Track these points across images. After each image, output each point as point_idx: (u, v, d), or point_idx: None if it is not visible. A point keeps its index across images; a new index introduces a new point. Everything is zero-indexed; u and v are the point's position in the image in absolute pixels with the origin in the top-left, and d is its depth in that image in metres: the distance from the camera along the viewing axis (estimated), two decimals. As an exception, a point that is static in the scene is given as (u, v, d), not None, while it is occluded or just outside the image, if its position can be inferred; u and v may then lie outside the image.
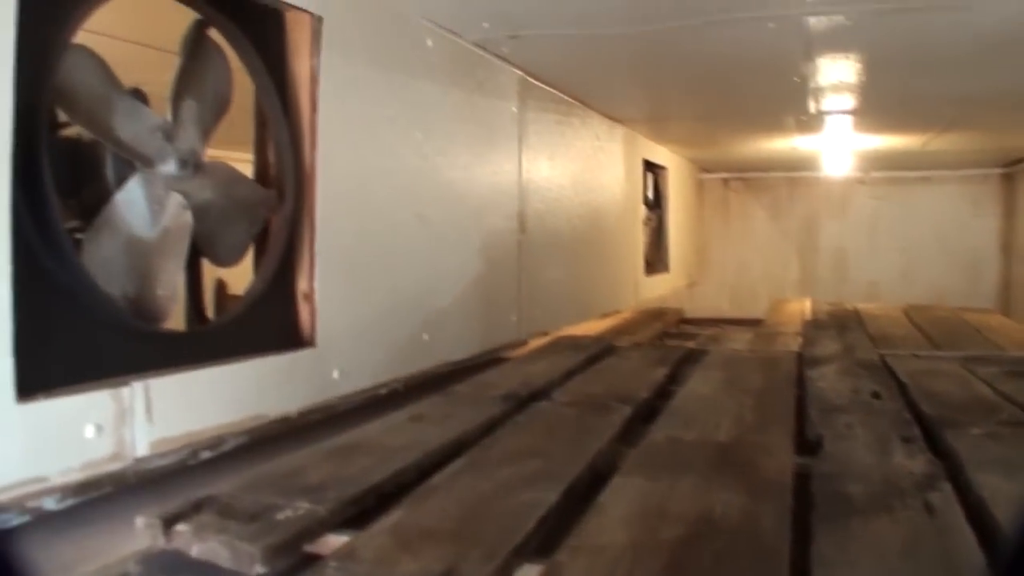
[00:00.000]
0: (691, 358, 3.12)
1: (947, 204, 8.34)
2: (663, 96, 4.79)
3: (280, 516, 1.40)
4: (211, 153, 2.09)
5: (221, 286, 2.57)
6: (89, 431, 1.62)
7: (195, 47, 2.07)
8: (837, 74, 3.78)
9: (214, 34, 2.11)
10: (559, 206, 4.14)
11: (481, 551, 1.24)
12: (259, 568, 1.27)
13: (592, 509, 1.43)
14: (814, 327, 4.52)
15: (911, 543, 1.30)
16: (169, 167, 1.92)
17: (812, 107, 4.60)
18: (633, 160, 5.68)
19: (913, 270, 8.37)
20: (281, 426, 2.12)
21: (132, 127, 1.86)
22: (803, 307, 5.68)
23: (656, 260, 6.60)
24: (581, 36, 3.13)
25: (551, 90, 4.04)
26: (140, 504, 1.45)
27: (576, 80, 4.04)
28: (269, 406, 2.06)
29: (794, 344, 3.88)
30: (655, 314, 5.84)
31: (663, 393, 2.50)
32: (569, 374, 2.70)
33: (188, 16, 2.06)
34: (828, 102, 4.48)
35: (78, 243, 1.77)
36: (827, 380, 2.67)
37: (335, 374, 2.30)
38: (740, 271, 8.94)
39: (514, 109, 3.58)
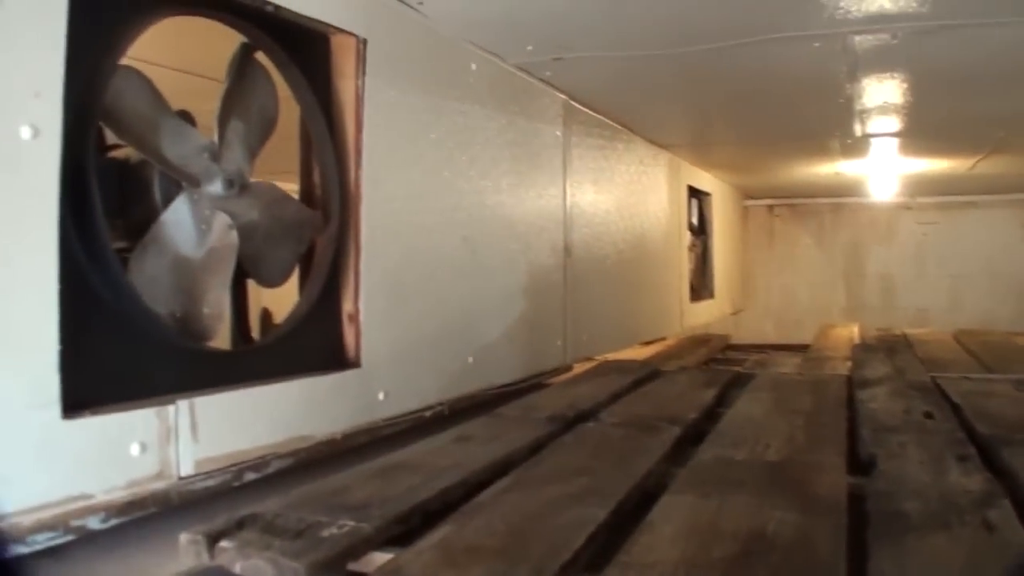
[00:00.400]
0: (739, 381, 3.07)
1: (996, 229, 8.20)
2: (707, 119, 4.77)
3: (325, 533, 1.38)
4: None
5: (267, 315, 2.57)
6: (134, 449, 1.62)
7: (242, 69, 2.08)
8: (883, 95, 3.74)
9: (260, 57, 2.13)
10: (604, 231, 4.13)
11: (529, 567, 1.21)
12: (304, 585, 1.26)
13: (642, 526, 1.40)
14: (863, 350, 4.45)
15: (971, 559, 1.26)
16: (215, 187, 1.93)
17: (857, 129, 4.55)
18: (677, 186, 5.65)
19: (962, 296, 8.24)
20: (326, 448, 2.11)
21: (179, 147, 1.87)
22: (851, 332, 5.60)
23: (701, 286, 6.55)
24: (625, 58, 3.12)
25: (594, 114, 4.03)
26: (184, 525, 1.44)
27: (619, 103, 4.03)
28: (314, 427, 2.05)
29: (843, 368, 3.83)
30: (701, 340, 5.79)
31: (711, 415, 2.47)
32: (616, 396, 2.66)
33: (232, 42, 2.08)
34: (874, 124, 4.42)
35: (125, 262, 1.78)
36: (878, 401, 2.61)
37: (380, 395, 2.29)
38: (785, 298, 8.85)
39: (558, 133, 3.57)
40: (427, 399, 2.51)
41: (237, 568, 1.33)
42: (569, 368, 3.61)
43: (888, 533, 1.38)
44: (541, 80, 3.38)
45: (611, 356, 4.04)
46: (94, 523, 1.58)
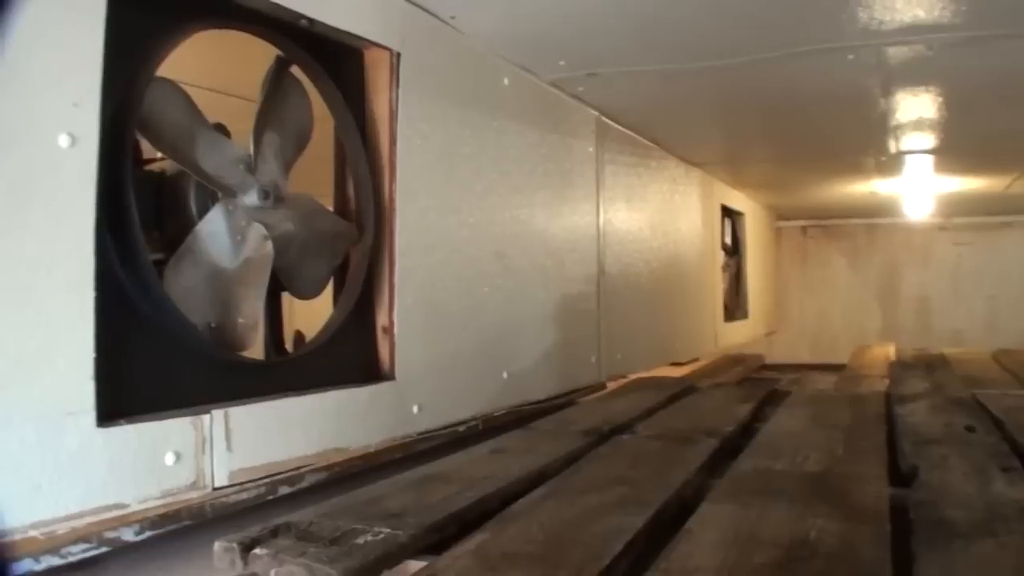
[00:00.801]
0: (775, 397, 3.04)
1: (1033, 250, 8.11)
2: (740, 136, 4.74)
3: (360, 540, 1.37)
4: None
5: (299, 337, 2.57)
6: (169, 458, 1.62)
7: (276, 83, 2.09)
8: (917, 110, 3.70)
9: (295, 70, 2.14)
10: (637, 249, 4.11)
11: (567, 573, 1.19)
12: (339, 592, 1.24)
13: (681, 534, 1.38)
14: (901, 367, 4.40)
15: (1020, 565, 1.23)
16: (251, 198, 1.93)
17: (892, 146, 4.51)
18: (710, 205, 5.62)
19: (999, 318, 8.11)
20: (360, 463, 2.10)
21: (215, 158, 1.88)
22: (887, 352, 5.53)
23: (735, 307, 6.51)
24: (658, 72, 3.11)
25: (627, 131, 4.02)
26: (217, 538, 1.43)
27: (652, 120, 4.01)
28: (349, 439, 2.05)
29: (880, 386, 3.77)
30: (735, 359, 5.75)
31: (748, 429, 2.44)
32: (651, 411, 2.64)
33: (261, 61, 2.10)
34: (908, 141, 4.38)
35: (161, 274, 1.79)
36: (918, 416, 2.57)
37: (415, 409, 2.28)
38: (819, 320, 8.77)
39: (591, 149, 3.56)
40: (461, 413, 2.50)
41: (272, 575, 1.32)
42: (603, 386, 3.58)
43: (934, 540, 1.35)
44: (573, 96, 3.37)
45: (645, 374, 4.01)
46: (128, 535, 1.58)
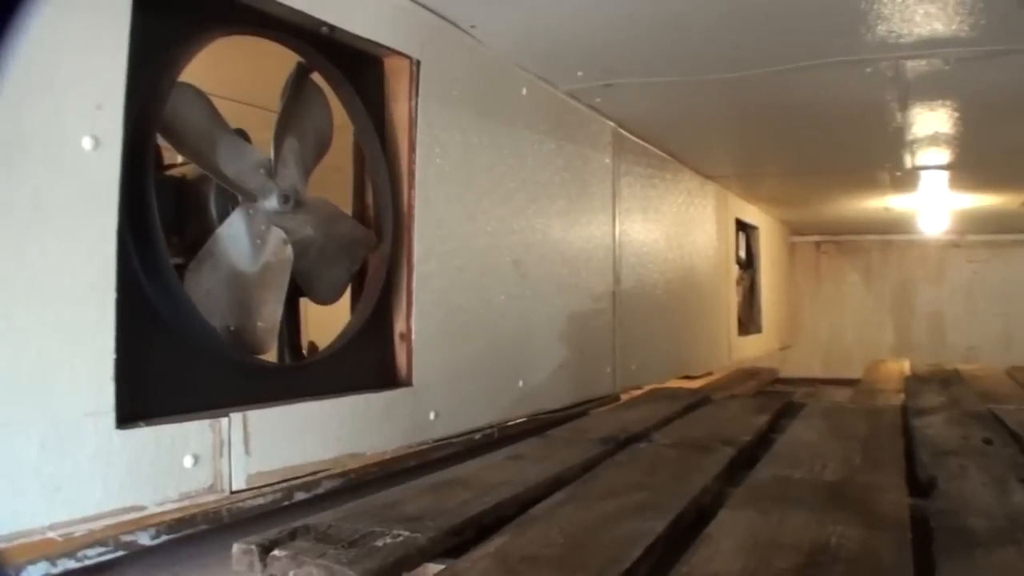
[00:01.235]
0: (791, 409, 3.03)
1: (1048, 267, 8.08)
2: (755, 149, 4.73)
3: (379, 543, 1.36)
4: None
5: (313, 348, 2.58)
6: (187, 461, 1.62)
7: (297, 89, 2.10)
8: (934, 124, 3.69)
9: (316, 77, 2.15)
10: (652, 261, 4.11)
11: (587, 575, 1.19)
12: (357, 593, 1.24)
13: (700, 539, 1.38)
14: (916, 381, 4.38)
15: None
16: (271, 202, 1.94)
17: (908, 161, 4.50)
18: (725, 218, 5.62)
19: (1013, 335, 8.06)
20: (375, 470, 2.10)
21: (236, 163, 1.89)
22: (901, 367, 5.51)
23: (749, 320, 6.49)
24: (674, 83, 3.11)
25: (643, 143, 4.02)
26: (232, 543, 1.42)
27: (668, 132, 4.01)
28: (366, 444, 2.05)
29: (895, 400, 3.75)
30: (749, 373, 5.72)
31: (764, 439, 2.43)
32: (667, 420, 2.63)
33: (282, 71, 2.11)
34: (924, 156, 4.37)
35: (181, 278, 1.79)
36: (935, 428, 2.56)
37: (431, 415, 2.28)
38: (833, 335, 8.74)
39: (607, 161, 3.56)
40: (478, 421, 2.50)
41: (290, 577, 1.31)
42: (617, 397, 3.58)
43: (955, 548, 1.34)
44: (590, 107, 3.37)
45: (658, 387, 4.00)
46: (144, 539, 1.58)
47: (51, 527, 1.42)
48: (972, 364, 6.12)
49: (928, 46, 2.66)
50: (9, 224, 1.36)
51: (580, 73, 3.00)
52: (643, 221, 3.99)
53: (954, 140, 3.98)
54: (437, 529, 1.42)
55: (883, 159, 4.58)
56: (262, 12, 1.90)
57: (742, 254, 6.35)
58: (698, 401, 3.11)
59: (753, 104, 3.48)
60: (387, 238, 2.22)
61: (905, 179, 5.04)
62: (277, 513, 1.78)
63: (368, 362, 2.19)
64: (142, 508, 1.55)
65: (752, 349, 6.40)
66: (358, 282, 2.26)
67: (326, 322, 2.38)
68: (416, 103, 2.28)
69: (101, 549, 1.52)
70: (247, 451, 1.73)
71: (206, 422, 1.66)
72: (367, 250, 2.21)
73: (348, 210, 2.28)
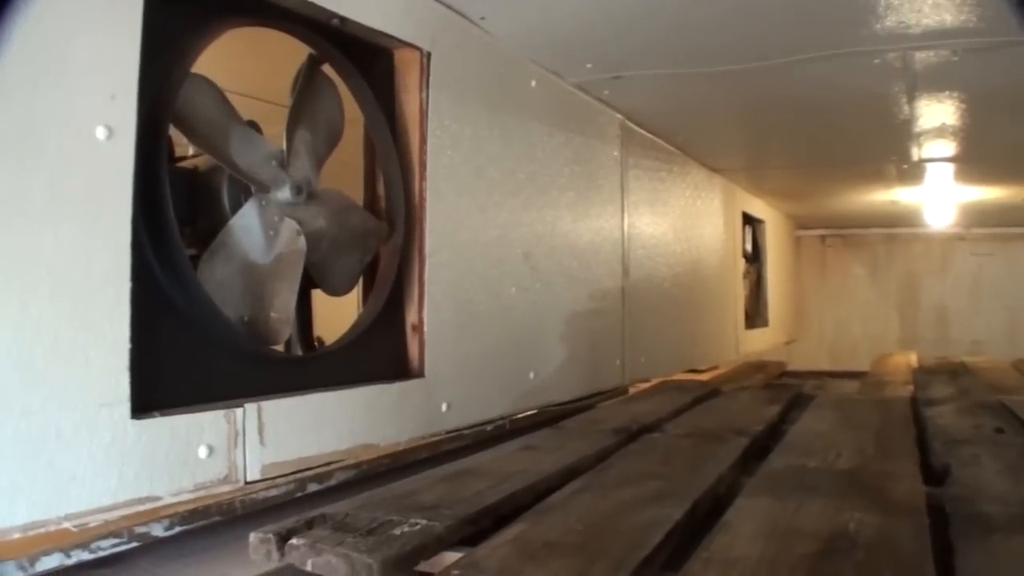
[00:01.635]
0: (800, 400, 3.03)
1: (1052, 261, 8.06)
2: (763, 142, 4.73)
3: (397, 531, 1.36)
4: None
5: (320, 344, 2.59)
6: (202, 451, 1.62)
7: (309, 81, 2.10)
8: (941, 116, 3.68)
9: (327, 68, 2.15)
10: (660, 254, 4.11)
11: (609, 562, 1.19)
12: (376, 581, 1.23)
13: (719, 526, 1.38)
14: (924, 373, 4.37)
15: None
16: (284, 193, 1.94)
17: (914, 153, 4.48)
18: (732, 211, 5.61)
19: (1018, 329, 8.04)
20: (387, 461, 2.10)
21: (248, 154, 1.88)
22: (908, 360, 5.50)
23: (755, 314, 6.49)
24: (682, 75, 3.10)
25: (651, 136, 4.02)
26: (246, 534, 1.42)
27: (675, 125, 4.01)
28: (379, 435, 2.05)
29: (904, 392, 3.74)
30: (757, 366, 5.71)
31: (776, 430, 2.43)
32: (678, 411, 2.64)
33: (290, 65, 2.11)
34: (930, 148, 4.35)
35: (194, 267, 1.79)
36: (946, 418, 2.56)
37: (443, 407, 2.28)
38: (839, 329, 8.73)
39: (616, 153, 3.56)
40: (489, 413, 2.50)
41: (308, 565, 1.31)
42: (625, 390, 3.58)
43: (972, 533, 1.35)
44: (599, 99, 3.37)
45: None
46: (158, 530, 1.58)
47: (66, 517, 1.41)
48: (978, 357, 6.12)
49: (937, 37, 2.65)
50: (24, 213, 1.36)
51: (589, 65, 2.99)
52: (651, 214, 3.98)
53: (961, 132, 3.97)
54: (454, 518, 1.42)
55: (890, 151, 4.57)
56: (273, 3, 1.90)
57: (748, 248, 6.34)
58: (708, 393, 3.11)
59: (761, 96, 3.47)
60: (399, 229, 2.22)
61: (911, 172, 5.03)
62: (289, 505, 1.78)
63: (380, 353, 2.19)
64: (157, 499, 1.55)
65: (759, 343, 6.40)
66: (369, 274, 2.25)
67: (330, 317, 2.37)
68: (427, 95, 2.28)
69: (115, 540, 1.52)
70: (262, 441, 1.73)
71: (221, 412, 1.66)
72: (379, 241, 2.20)
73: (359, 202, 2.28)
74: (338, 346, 2.11)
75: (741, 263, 5.99)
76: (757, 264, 6.60)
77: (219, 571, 1.62)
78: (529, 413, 2.73)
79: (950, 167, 4.94)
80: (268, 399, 1.76)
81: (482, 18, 2.49)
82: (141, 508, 1.53)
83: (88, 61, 1.45)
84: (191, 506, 1.64)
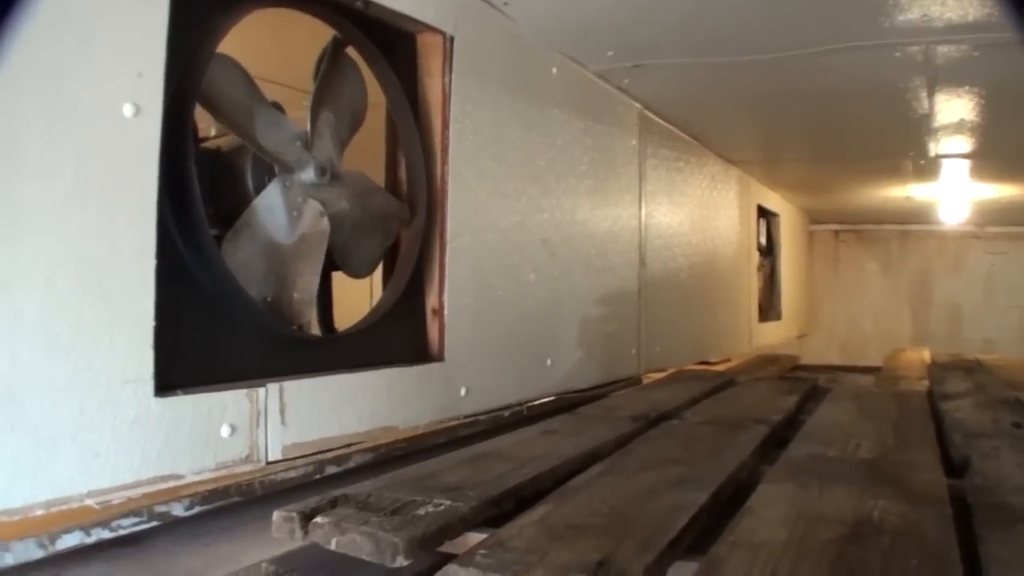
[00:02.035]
0: (817, 392, 3.03)
1: (1068, 260, 8.03)
2: (780, 133, 4.71)
3: (421, 511, 1.36)
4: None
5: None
6: (224, 431, 1.62)
7: (333, 63, 2.10)
8: (960, 111, 3.66)
9: (350, 51, 2.15)
10: (677, 244, 4.10)
11: (635, 543, 1.18)
12: (402, 560, 1.23)
13: (743, 511, 1.37)
14: (939, 369, 4.36)
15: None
16: (308, 174, 1.94)
17: (931, 149, 4.46)
18: (747, 204, 5.60)
19: (1030, 328, 8.05)
20: (404, 445, 2.10)
21: (273, 135, 1.88)
22: (922, 356, 5.48)
23: (769, 307, 6.48)
24: (702, 65, 3.09)
25: (669, 126, 4.01)
26: (265, 515, 1.42)
27: (693, 115, 3.99)
28: (399, 418, 2.05)
29: (919, 386, 3.73)
30: (770, 359, 5.70)
31: (794, 420, 2.43)
32: (695, 400, 2.64)
33: (311, 50, 2.11)
34: (947, 144, 4.34)
35: (218, 247, 1.79)
36: (964, 412, 2.55)
37: (462, 391, 2.28)
38: (850, 324, 8.71)
39: (634, 143, 3.55)
40: (507, 398, 2.50)
41: (333, 544, 1.30)
42: (640, 379, 3.57)
43: (996, 522, 1.35)
44: (619, 88, 3.36)
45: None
46: (178, 510, 1.59)
47: (89, 494, 1.42)
48: (991, 355, 6.10)
49: (959, 31, 2.63)
50: (50, 190, 1.36)
51: (610, 53, 2.98)
52: (668, 204, 3.98)
53: (978, 128, 3.95)
54: (477, 499, 1.42)
55: (907, 147, 4.55)
56: (299, -15, 1.90)
57: (763, 241, 6.33)
58: (724, 383, 3.12)
59: (779, 88, 3.45)
60: (420, 213, 2.21)
61: (927, 167, 5.00)
62: (307, 487, 1.78)
63: (401, 336, 2.19)
64: (180, 477, 1.55)
65: (771, 336, 6.39)
66: (389, 257, 2.25)
67: (338, 301, 2.37)
68: (449, 79, 2.28)
69: (135, 519, 1.52)
70: (283, 422, 1.73)
71: (243, 392, 1.66)
72: (401, 224, 2.20)
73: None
74: (359, 328, 2.11)
75: (755, 256, 5.98)
76: (771, 257, 6.59)
77: (238, 551, 1.62)
78: (545, 400, 2.73)
79: (966, 163, 4.92)
80: (290, 379, 1.76)
81: (505, 3, 2.48)
82: (163, 486, 1.53)
83: (116, 38, 1.45)
84: (211, 486, 1.65)
